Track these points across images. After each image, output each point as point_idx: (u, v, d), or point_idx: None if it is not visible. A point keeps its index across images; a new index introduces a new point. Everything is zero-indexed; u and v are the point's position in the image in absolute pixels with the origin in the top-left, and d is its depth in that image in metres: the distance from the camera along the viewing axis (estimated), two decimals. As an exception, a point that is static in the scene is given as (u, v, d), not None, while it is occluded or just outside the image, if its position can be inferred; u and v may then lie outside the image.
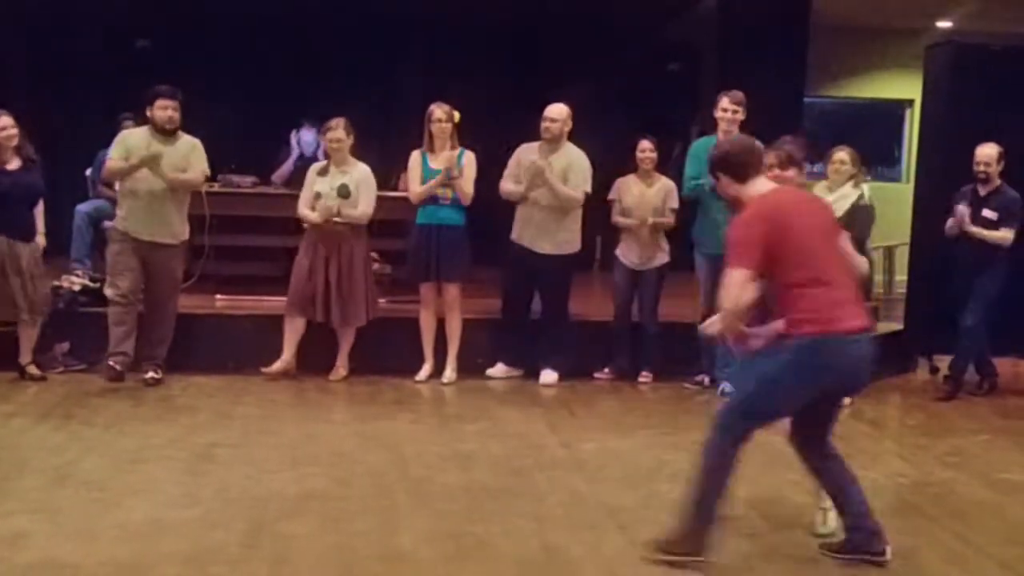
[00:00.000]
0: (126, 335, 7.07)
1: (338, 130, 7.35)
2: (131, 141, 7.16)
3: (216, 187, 8.79)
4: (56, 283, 7.62)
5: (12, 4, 10.30)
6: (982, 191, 7.61)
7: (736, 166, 4.30)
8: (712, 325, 4.25)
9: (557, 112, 7.49)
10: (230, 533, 4.47)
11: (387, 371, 7.53)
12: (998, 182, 7.58)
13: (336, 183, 7.34)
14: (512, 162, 7.57)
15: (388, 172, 8.87)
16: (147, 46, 11.07)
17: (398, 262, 8.46)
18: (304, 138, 9.60)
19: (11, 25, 10.37)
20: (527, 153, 7.54)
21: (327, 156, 7.61)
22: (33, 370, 7.11)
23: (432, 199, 7.39)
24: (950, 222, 7.63)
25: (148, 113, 7.11)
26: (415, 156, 7.48)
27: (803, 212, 4.22)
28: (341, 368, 7.48)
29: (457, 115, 7.42)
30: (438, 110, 7.40)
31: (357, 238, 7.42)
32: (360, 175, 7.41)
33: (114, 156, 7.19)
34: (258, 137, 9.98)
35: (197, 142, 7.30)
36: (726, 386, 7.40)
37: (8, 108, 7.03)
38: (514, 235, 7.64)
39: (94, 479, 5.13)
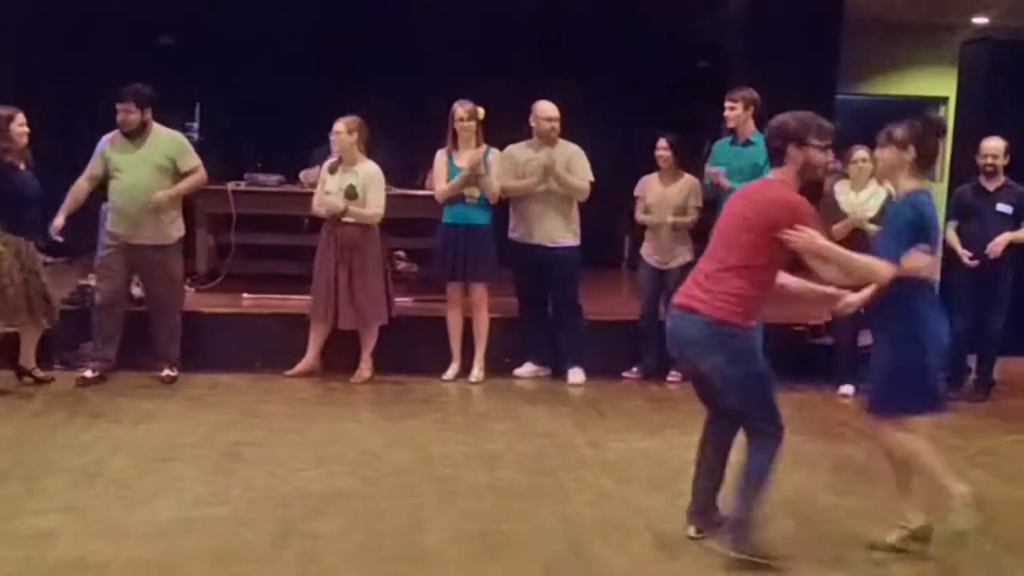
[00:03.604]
0: (106, 341, 7.09)
1: (338, 123, 7.26)
2: (115, 150, 7.03)
3: (242, 186, 8.81)
4: (83, 282, 7.64)
5: (36, 1, 10.34)
6: (990, 186, 7.49)
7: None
8: None
9: (554, 111, 7.46)
10: (257, 532, 4.47)
11: (414, 370, 7.51)
12: (1003, 177, 7.48)
13: (344, 183, 7.25)
14: (503, 162, 7.45)
15: (415, 171, 8.87)
16: (171, 44, 11.06)
17: (424, 261, 8.45)
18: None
19: (34, 22, 10.40)
20: (521, 152, 7.52)
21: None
22: (34, 374, 6.97)
23: (459, 198, 7.36)
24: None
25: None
26: (440, 155, 7.45)
27: None
28: (365, 370, 7.40)
29: (481, 111, 7.39)
30: (460, 109, 7.36)
31: (369, 238, 7.33)
32: (367, 174, 7.30)
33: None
34: (283, 136, 9.96)
35: (177, 136, 7.24)
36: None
37: (31, 106, 6.94)
38: (517, 234, 7.59)
39: (122, 478, 5.15)
